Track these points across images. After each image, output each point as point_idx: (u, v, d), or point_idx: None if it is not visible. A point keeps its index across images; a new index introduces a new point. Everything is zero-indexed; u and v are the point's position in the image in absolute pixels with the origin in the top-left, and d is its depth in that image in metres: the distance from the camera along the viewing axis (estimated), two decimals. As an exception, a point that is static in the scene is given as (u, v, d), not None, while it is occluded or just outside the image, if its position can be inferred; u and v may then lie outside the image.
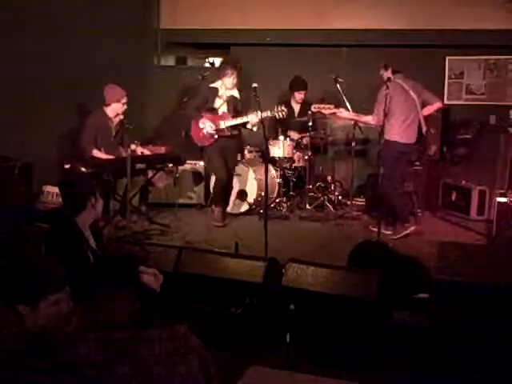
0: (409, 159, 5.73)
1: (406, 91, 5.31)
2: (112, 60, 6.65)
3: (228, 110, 5.75)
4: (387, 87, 5.16)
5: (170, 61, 8.73)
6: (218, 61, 8.76)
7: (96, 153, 5.70)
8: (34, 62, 5.65)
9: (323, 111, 5.80)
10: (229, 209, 6.15)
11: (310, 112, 6.39)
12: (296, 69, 6.83)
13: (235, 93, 5.79)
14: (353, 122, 6.21)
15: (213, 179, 6.44)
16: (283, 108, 5.60)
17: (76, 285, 2.04)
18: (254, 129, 5.72)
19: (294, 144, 6.48)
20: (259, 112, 5.12)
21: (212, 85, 5.75)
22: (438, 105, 5.57)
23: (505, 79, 7.10)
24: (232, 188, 6.12)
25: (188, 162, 6.60)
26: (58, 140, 6.12)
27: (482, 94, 7.19)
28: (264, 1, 7.50)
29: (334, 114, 5.76)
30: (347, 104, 6.23)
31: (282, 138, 6.33)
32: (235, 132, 5.82)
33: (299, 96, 6.69)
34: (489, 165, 6.17)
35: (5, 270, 2.01)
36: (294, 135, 6.62)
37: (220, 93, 5.73)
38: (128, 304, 1.59)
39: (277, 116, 5.61)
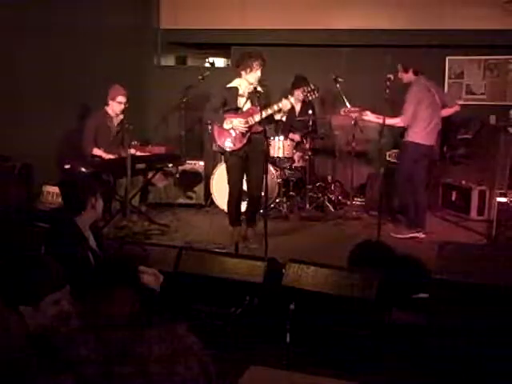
0: (430, 161, 5.66)
1: (432, 93, 5.30)
2: (112, 60, 6.65)
3: (253, 105, 5.07)
4: (417, 88, 5.20)
5: (169, 61, 8.74)
6: (218, 61, 8.77)
7: (96, 151, 5.71)
8: (34, 63, 5.65)
9: (351, 115, 5.78)
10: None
11: (310, 111, 6.39)
12: (296, 69, 6.82)
13: (258, 86, 5.13)
14: (353, 122, 6.19)
15: (213, 182, 6.43)
16: (312, 87, 5.15)
17: (76, 284, 2.04)
18: (281, 117, 5.29)
19: (294, 144, 6.47)
20: (290, 97, 5.04)
21: (229, 85, 5.16)
22: (456, 108, 5.58)
23: (505, 79, 7.10)
24: (259, 197, 5.32)
25: (188, 161, 6.60)
26: (58, 140, 6.12)
27: (482, 94, 7.18)
28: (264, 1, 7.50)
29: (361, 116, 5.66)
30: (347, 104, 6.23)
31: (282, 137, 6.32)
32: (258, 138, 5.11)
33: (298, 93, 6.61)
34: (489, 165, 6.16)
35: (5, 270, 2.01)
36: (295, 137, 6.59)
37: (240, 91, 5.13)
38: (128, 304, 1.59)
39: (309, 97, 5.24)
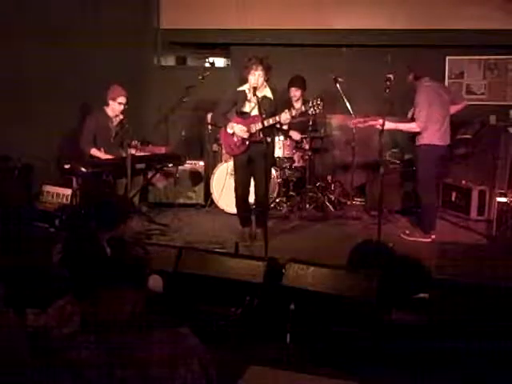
0: (442, 161, 5.61)
1: (439, 94, 5.27)
2: (112, 60, 6.65)
3: (260, 112, 4.91)
4: (425, 91, 5.17)
5: (169, 61, 8.73)
6: (218, 61, 8.77)
7: (94, 152, 5.70)
8: (34, 63, 5.64)
9: (360, 125, 5.67)
10: (229, 209, 6.14)
11: (310, 112, 6.38)
12: (296, 69, 6.82)
13: (267, 93, 5.11)
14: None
15: (213, 182, 6.44)
16: (318, 102, 5.12)
17: (82, 286, 2.03)
18: (285, 127, 5.32)
19: (294, 144, 6.47)
20: (293, 109, 5.06)
21: (239, 88, 5.20)
22: (464, 104, 5.56)
23: (505, 79, 7.11)
24: (265, 200, 5.22)
25: (188, 161, 6.59)
26: (57, 140, 6.11)
27: (482, 94, 7.19)
28: (264, 1, 7.50)
29: (373, 126, 5.37)
30: (347, 104, 6.23)
31: (282, 137, 6.32)
32: (264, 142, 4.89)
33: (294, 93, 6.57)
34: (489, 165, 6.16)
35: (15, 275, 2.02)
36: (296, 135, 6.57)
37: (248, 96, 5.11)
38: (130, 306, 1.58)
39: (311, 111, 5.18)
